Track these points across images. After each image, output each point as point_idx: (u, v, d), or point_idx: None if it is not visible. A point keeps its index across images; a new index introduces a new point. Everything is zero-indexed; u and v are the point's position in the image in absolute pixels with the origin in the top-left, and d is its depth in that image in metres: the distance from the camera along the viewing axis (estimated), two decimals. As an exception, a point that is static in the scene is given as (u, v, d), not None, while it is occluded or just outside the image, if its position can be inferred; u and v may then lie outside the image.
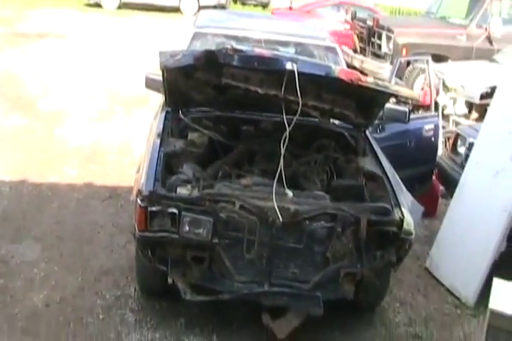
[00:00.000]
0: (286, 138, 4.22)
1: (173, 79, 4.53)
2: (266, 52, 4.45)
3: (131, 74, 9.82)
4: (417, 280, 5.41)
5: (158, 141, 4.63)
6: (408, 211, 4.20)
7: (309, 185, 4.65)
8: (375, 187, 4.57)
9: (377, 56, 12.37)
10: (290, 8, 17.43)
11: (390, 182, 4.53)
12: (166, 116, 5.07)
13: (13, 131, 7.84)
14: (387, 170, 4.70)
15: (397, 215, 4.14)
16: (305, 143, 5.12)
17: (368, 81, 4.28)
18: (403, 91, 4.76)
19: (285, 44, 6.27)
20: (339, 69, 4.38)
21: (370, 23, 12.62)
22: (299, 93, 4.16)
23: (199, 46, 5.98)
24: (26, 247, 5.19)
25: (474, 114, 9.32)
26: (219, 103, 5.02)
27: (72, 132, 8.01)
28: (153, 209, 3.94)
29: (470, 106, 9.40)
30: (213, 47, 4.56)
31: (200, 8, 18.89)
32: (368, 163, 4.84)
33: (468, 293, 5.07)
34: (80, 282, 4.76)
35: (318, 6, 16.84)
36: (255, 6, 24.79)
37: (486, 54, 11.43)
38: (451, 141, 6.86)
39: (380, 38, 12.35)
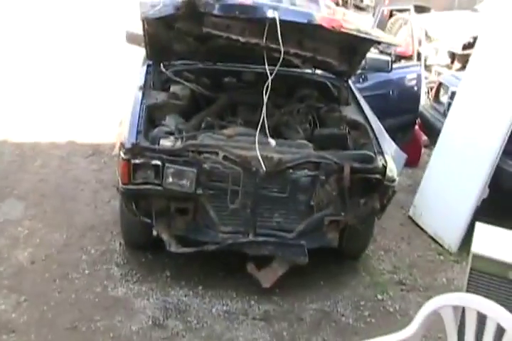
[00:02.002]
0: (268, 87, 4.17)
1: (153, 30, 4.44)
2: (247, 0, 4.35)
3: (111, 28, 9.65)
4: (401, 229, 5.47)
5: (140, 94, 4.58)
6: (391, 158, 4.20)
7: (292, 134, 4.63)
8: (358, 135, 4.57)
9: (359, 8, 12.26)
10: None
11: (373, 130, 4.53)
12: (147, 70, 5.01)
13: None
14: (370, 119, 4.70)
15: (380, 162, 4.13)
16: (287, 94, 5.09)
17: (350, 27, 4.21)
18: (385, 37, 4.70)
19: (265, -6, 6.15)
20: (321, 17, 4.29)
21: (351, -25, 12.50)
22: (280, 41, 4.09)
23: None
24: (9, 206, 5.15)
25: (456, 64, 9.29)
26: (201, 54, 4.93)
27: (53, 89, 7.88)
28: (137, 161, 3.90)
29: (452, 56, 9.36)
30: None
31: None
32: (350, 112, 4.83)
33: (451, 239, 5.13)
34: (64, 238, 4.74)
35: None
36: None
37: (468, 4, 11.36)
38: (433, 90, 6.84)
39: (361, -10, 12.23)
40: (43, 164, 5.99)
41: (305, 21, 4.19)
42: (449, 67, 9.32)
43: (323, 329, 4.01)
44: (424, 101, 7.13)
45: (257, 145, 3.98)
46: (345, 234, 4.36)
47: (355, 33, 4.25)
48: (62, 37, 10.15)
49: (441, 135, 5.53)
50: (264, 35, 4.30)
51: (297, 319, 4.07)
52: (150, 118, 4.39)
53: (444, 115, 5.88)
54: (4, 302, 3.95)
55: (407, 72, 6.67)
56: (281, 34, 4.11)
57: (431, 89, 7.69)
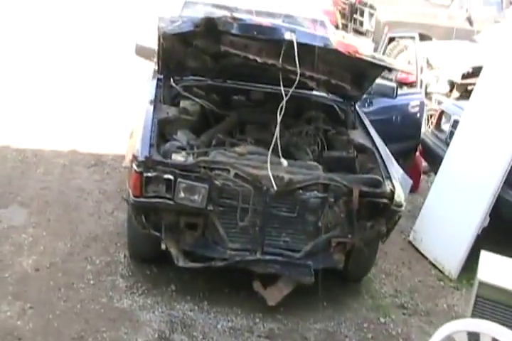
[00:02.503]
0: (282, 108, 4.23)
1: (169, 45, 4.50)
2: (265, 21, 4.44)
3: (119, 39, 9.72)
4: (402, 253, 5.53)
5: (152, 108, 4.61)
6: (399, 183, 4.27)
7: (302, 155, 4.69)
8: (365, 159, 4.64)
9: (359, 33, 12.41)
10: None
11: (380, 154, 4.60)
12: (157, 84, 5.05)
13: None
14: (377, 143, 4.77)
15: (388, 187, 4.20)
16: (295, 114, 5.14)
17: (365, 53, 4.30)
18: (398, 64, 4.82)
19: (275, 15, 6.25)
20: (337, 41, 4.39)
21: (352, -1, 12.67)
22: (297, 63, 4.16)
23: (189, 14, 5.93)
24: (13, 212, 5.15)
25: (455, 93, 9.41)
26: (214, 71, 5.00)
27: (57, 97, 7.89)
28: (149, 174, 3.93)
29: (452, 84, 9.48)
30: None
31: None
32: (358, 136, 4.91)
33: (451, 266, 5.19)
34: (68, 247, 4.74)
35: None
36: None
37: (466, 34, 11.56)
38: (434, 118, 6.94)
39: (362, 14, 12.42)
40: (45, 171, 5.99)
41: (322, 45, 4.29)
42: (447, 95, 9.44)
43: (327, 349, 4.06)
44: (425, 129, 7.23)
45: (268, 164, 4.04)
46: (351, 256, 4.41)
47: (370, 59, 4.35)
48: (69, 45, 10.15)
49: (443, 163, 5.62)
50: (281, 57, 4.38)
51: (302, 338, 4.11)
52: (161, 132, 4.42)
53: (446, 143, 5.97)
54: (10, 309, 3.95)
55: (411, 99, 6.77)
56: (297, 56, 4.20)
57: (430, 117, 7.81)
